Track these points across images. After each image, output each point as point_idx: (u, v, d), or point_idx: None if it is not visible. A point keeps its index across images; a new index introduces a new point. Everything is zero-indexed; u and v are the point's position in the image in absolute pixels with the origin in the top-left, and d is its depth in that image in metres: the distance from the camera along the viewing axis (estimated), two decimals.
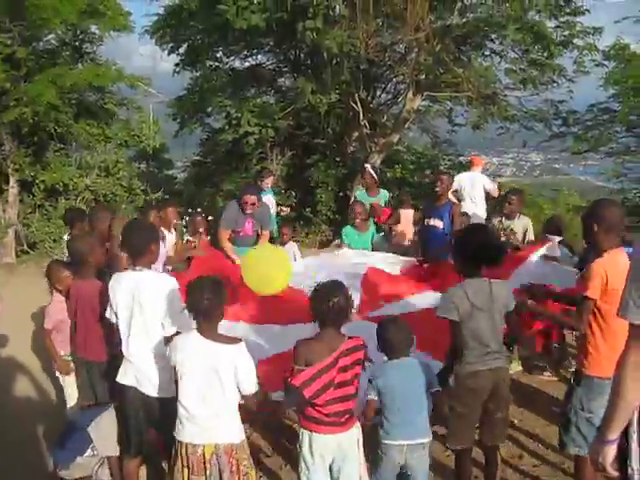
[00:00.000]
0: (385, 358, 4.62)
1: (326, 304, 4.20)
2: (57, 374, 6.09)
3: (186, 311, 4.26)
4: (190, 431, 4.16)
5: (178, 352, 4.19)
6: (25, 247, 14.54)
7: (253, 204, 8.34)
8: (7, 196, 14.46)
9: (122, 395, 4.82)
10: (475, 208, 11.73)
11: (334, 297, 4.21)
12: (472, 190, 11.73)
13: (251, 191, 8.56)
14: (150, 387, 4.73)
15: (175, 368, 4.21)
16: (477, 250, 4.70)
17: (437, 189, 8.31)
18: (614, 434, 3.03)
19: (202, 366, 4.09)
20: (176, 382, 4.28)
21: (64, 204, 14.57)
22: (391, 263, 7.84)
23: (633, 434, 3.19)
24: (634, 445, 3.22)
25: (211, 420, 4.14)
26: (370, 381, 4.46)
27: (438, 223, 8.21)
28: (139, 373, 4.73)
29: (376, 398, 4.44)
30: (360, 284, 6.87)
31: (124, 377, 4.78)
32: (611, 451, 3.07)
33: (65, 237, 8.70)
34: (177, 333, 4.58)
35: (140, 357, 4.72)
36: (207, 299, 4.10)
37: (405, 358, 4.55)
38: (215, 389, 4.11)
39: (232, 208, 8.58)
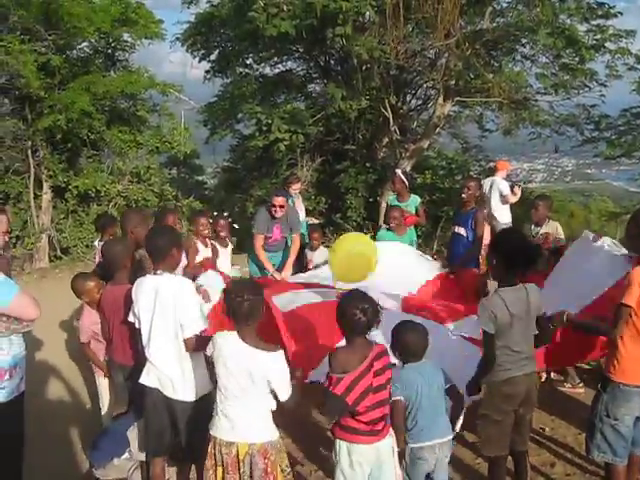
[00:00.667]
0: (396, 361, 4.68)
1: (354, 314, 4.21)
2: (97, 380, 6.15)
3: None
4: (225, 427, 4.18)
5: (216, 350, 4.24)
6: (58, 252, 14.71)
7: (282, 206, 8.38)
8: (41, 202, 14.65)
9: (145, 396, 4.88)
10: (495, 213, 11.74)
11: (362, 307, 4.22)
12: (490, 194, 11.76)
13: (279, 193, 8.62)
14: (172, 390, 4.78)
15: (213, 364, 4.27)
16: (513, 254, 4.65)
17: (463, 195, 8.30)
18: None
19: (237, 368, 4.12)
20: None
21: (96, 210, 14.74)
22: (425, 269, 7.84)
23: None
24: None
25: (245, 420, 4.17)
26: (392, 383, 4.46)
27: (462, 230, 8.22)
28: (162, 376, 4.78)
29: (402, 398, 4.47)
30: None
31: (147, 378, 4.84)
32: None
33: (96, 243, 8.80)
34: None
35: (162, 360, 4.78)
36: (247, 301, 4.13)
37: (422, 360, 4.60)
38: (249, 392, 4.14)
39: (262, 214, 8.63)
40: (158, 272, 4.81)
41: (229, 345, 4.20)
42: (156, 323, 4.75)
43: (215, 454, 4.20)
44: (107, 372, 5.98)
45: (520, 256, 4.65)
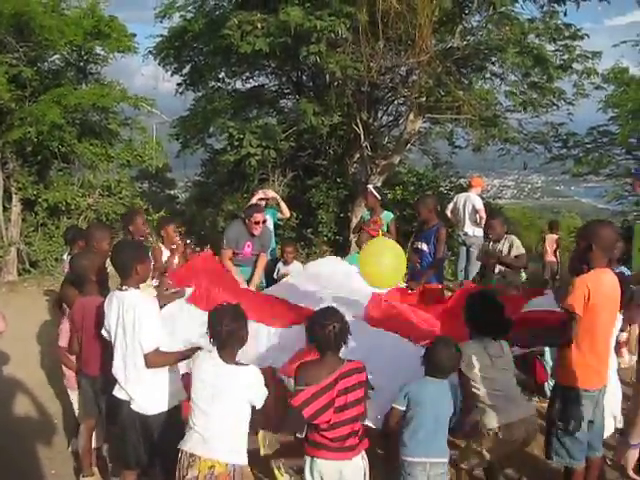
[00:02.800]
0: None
1: (324, 330, 4.28)
2: (71, 395, 6.11)
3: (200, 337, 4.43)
4: (195, 441, 4.20)
5: (195, 368, 4.30)
6: (27, 265, 14.57)
7: (263, 222, 8.40)
8: (10, 215, 14.49)
9: (118, 409, 4.89)
10: (470, 228, 11.93)
11: (331, 323, 4.30)
12: (464, 210, 11.95)
13: (259, 209, 8.63)
14: (137, 405, 4.79)
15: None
16: (488, 325, 4.90)
17: (421, 218, 8.46)
18: (636, 439, 3.15)
19: (216, 386, 4.17)
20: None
21: (66, 223, 14.59)
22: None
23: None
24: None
25: (217, 437, 4.18)
26: (402, 391, 4.53)
27: (424, 246, 8.31)
28: (127, 390, 4.79)
29: (402, 408, 4.50)
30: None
31: (119, 391, 4.85)
32: (633, 455, 3.19)
33: (65, 256, 8.76)
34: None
35: (126, 375, 4.79)
36: (228, 328, 4.20)
37: (444, 380, 4.64)
38: (225, 409, 4.18)
39: (235, 228, 8.61)
40: (124, 287, 4.82)
41: (209, 364, 4.25)
42: (120, 338, 4.77)
43: (181, 466, 4.20)
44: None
45: (494, 329, 4.90)
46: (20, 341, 8.82)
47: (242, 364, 4.28)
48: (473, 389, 4.75)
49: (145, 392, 4.77)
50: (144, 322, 4.69)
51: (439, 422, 4.54)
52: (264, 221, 8.53)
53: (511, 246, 7.96)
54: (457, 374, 4.79)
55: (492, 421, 4.72)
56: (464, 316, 5.04)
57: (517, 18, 13.34)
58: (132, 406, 4.77)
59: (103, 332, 4.94)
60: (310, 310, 5.59)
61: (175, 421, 4.54)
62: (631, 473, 3.18)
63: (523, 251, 7.99)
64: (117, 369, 4.81)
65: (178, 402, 4.82)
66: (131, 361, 4.75)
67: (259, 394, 4.23)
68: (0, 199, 14.24)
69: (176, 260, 7.75)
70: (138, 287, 4.90)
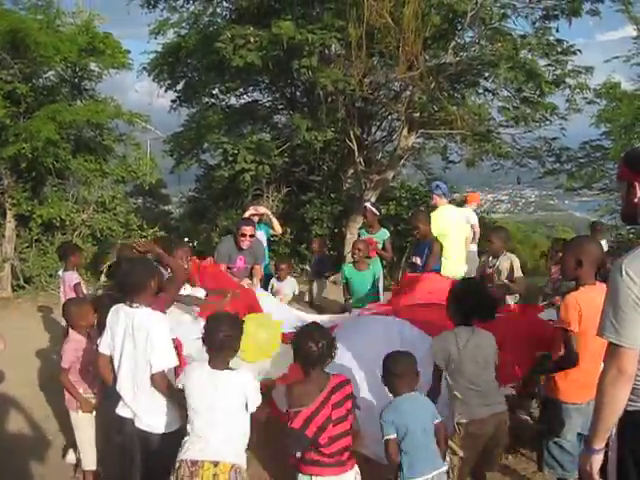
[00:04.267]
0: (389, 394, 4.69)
1: (310, 346, 4.29)
2: (71, 414, 6.03)
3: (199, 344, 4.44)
4: (195, 449, 4.20)
5: (188, 380, 4.31)
6: (21, 281, 14.54)
7: (252, 236, 8.42)
8: (4, 230, 14.48)
9: (121, 426, 4.86)
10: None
11: (318, 339, 4.31)
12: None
13: (248, 222, 8.65)
14: (142, 422, 4.76)
15: (184, 394, 4.33)
16: (472, 305, 4.87)
17: (417, 234, 8.47)
18: (599, 444, 3.22)
19: (212, 393, 4.21)
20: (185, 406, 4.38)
21: (61, 239, 14.58)
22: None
23: (612, 444, 3.33)
24: (612, 455, 3.36)
25: (218, 440, 4.20)
26: (382, 420, 4.46)
27: (418, 260, 8.34)
28: (133, 407, 4.77)
29: (393, 436, 4.43)
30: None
31: (122, 409, 4.82)
32: (597, 460, 3.26)
33: (60, 272, 8.76)
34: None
35: (134, 392, 4.76)
36: (223, 332, 4.25)
37: (413, 392, 4.59)
38: (225, 413, 4.22)
39: (226, 243, 8.67)
40: (134, 305, 4.79)
41: (202, 373, 4.29)
42: (126, 355, 4.74)
43: (179, 475, 4.18)
44: (85, 405, 5.86)
45: (479, 309, 4.88)
46: (14, 358, 8.79)
47: (234, 369, 4.33)
48: (449, 381, 4.76)
49: (152, 410, 4.74)
50: (156, 343, 4.67)
51: (427, 434, 4.50)
52: (252, 235, 8.54)
53: (511, 266, 7.98)
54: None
55: (463, 415, 4.71)
56: (449, 305, 5.02)
57: (510, 34, 13.43)
58: (136, 424, 4.75)
59: (103, 348, 4.90)
60: None
61: (174, 444, 4.51)
62: (596, 478, 3.26)
63: (521, 274, 8.00)
64: (123, 385, 4.77)
65: (179, 426, 4.78)
66: (140, 378, 4.72)
67: (252, 398, 4.27)
68: None
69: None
70: (147, 305, 4.86)
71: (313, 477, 4.28)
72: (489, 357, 4.81)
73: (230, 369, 4.33)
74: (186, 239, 10.33)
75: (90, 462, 5.93)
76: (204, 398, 4.23)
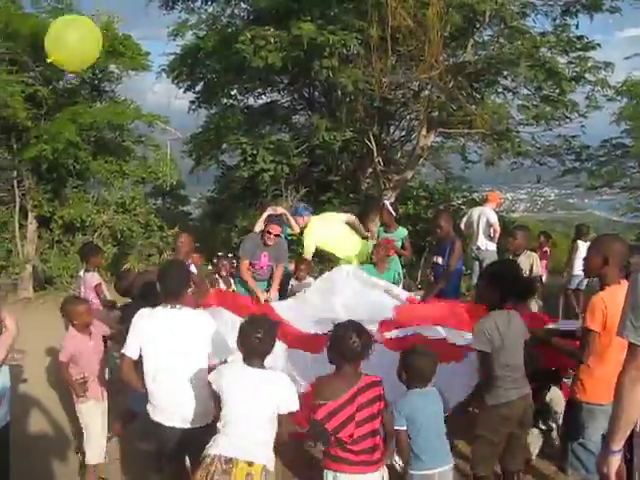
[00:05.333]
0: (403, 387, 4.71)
1: (345, 343, 4.29)
2: (77, 407, 6.13)
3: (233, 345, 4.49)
4: (227, 444, 4.20)
5: (223, 379, 4.31)
6: (43, 282, 14.67)
7: (277, 235, 8.46)
8: (25, 232, 14.63)
9: (156, 432, 4.89)
10: (483, 242, 11.90)
11: (353, 337, 4.30)
12: (478, 224, 11.94)
13: (276, 221, 8.67)
14: (184, 420, 4.78)
15: (219, 393, 4.33)
16: (510, 285, 4.88)
17: (438, 232, 8.43)
18: (617, 445, 3.21)
19: (246, 394, 4.21)
20: (218, 406, 4.39)
21: (81, 240, 14.72)
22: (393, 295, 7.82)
23: (636, 448, 3.32)
24: (636, 459, 3.35)
25: (252, 440, 4.21)
26: (394, 412, 4.52)
27: (440, 260, 8.30)
28: (170, 407, 4.79)
29: (404, 428, 4.51)
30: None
31: (160, 415, 4.84)
32: (615, 461, 3.25)
33: (81, 273, 8.80)
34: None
35: (171, 391, 4.78)
36: (260, 338, 4.26)
37: (427, 387, 4.64)
38: (259, 413, 4.22)
39: (251, 239, 8.72)
40: (177, 306, 4.85)
41: (239, 371, 4.31)
42: (171, 356, 4.77)
43: (208, 473, 4.15)
44: (79, 388, 5.97)
45: (518, 288, 4.93)
46: (35, 357, 8.87)
47: (270, 369, 4.37)
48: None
49: (193, 405, 4.79)
50: (210, 339, 4.82)
51: (439, 429, 4.59)
52: (277, 235, 8.58)
53: (532, 265, 7.95)
54: (476, 354, 4.85)
55: (493, 397, 4.76)
56: (483, 288, 5.05)
57: (529, 32, 13.35)
58: (177, 424, 4.79)
59: (130, 350, 4.88)
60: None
61: (208, 437, 4.54)
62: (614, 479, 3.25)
63: (541, 274, 8.00)
64: (164, 386, 4.80)
65: (211, 420, 4.80)
66: (183, 375, 4.76)
67: (288, 401, 4.28)
68: (16, 216, 14.37)
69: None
70: (188, 306, 4.95)
71: (338, 473, 4.30)
72: (521, 340, 4.87)
73: (264, 368, 4.35)
74: (230, 255, 10.44)
75: (94, 455, 6.00)
76: (239, 396, 4.24)
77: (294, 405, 4.29)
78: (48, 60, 6.22)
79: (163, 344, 4.78)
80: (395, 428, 4.51)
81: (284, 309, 7.58)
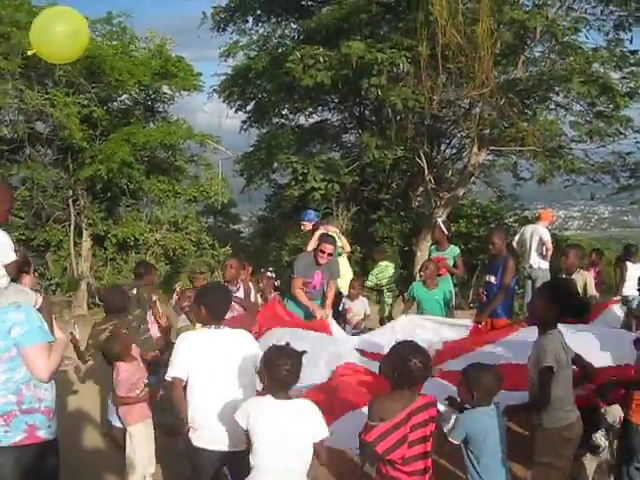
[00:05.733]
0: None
1: (407, 365, 4.15)
2: (129, 428, 5.95)
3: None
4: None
5: (252, 416, 4.22)
6: (96, 299, 14.88)
7: (330, 254, 8.44)
8: (80, 250, 14.89)
9: (199, 459, 4.82)
10: (536, 260, 11.77)
11: (414, 358, 4.16)
12: (531, 242, 11.82)
13: (329, 241, 8.66)
14: (228, 443, 4.72)
15: (248, 430, 4.24)
16: (568, 303, 4.75)
17: (491, 249, 8.34)
18: None
19: (277, 427, 4.15)
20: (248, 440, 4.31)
21: (134, 258, 14.91)
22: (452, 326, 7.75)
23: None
24: None
25: (285, 474, 4.15)
26: (458, 424, 4.44)
27: (493, 279, 8.21)
28: (216, 428, 4.72)
29: (457, 442, 4.42)
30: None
31: (208, 441, 4.76)
32: None
33: (134, 291, 8.82)
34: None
35: (225, 413, 4.68)
36: (288, 369, 4.19)
37: (491, 405, 4.53)
38: (291, 447, 4.15)
39: (304, 259, 8.69)
40: (221, 326, 4.87)
41: (268, 404, 4.24)
42: (221, 377, 4.75)
43: None
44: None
45: (576, 307, 4.80)
46: (89, 373, 8.95)
47: (294, 398, 4.30)
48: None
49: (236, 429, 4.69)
50: (258, 358, 4.70)
51: (502, 448, 4.45)
52: (331, 254, 8.57)
53: (585, 285, 7.84)
54: (537, 372, 4.64)
55: (555, 420, 4.60)
56: (539, 305, 4.85)
57: (580, 47, 13.24)
58: (221, 447, 4.73)
59: (178, 373, 4.79)
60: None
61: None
62: None
63: (595, 293, 7.88)
64: (216, 408, 4.72)
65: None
66: (232, 398, 4.70)
67: (322, 428, 4.20)
68: (71, 235, 14.63)
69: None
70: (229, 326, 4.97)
71: None
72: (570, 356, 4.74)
73: (291, 399, 4.27)
74: (270, 269, 10.54)
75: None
76: (271, 432, 4.16)
77: (325, 432, 4.20)
78: (29, 53, 6.17)
79: (209, 365, 4.75)
80: (450, 439, 4.42)
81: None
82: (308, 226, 10.24)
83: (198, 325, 6.36)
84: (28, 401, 4.27)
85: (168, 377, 4.81)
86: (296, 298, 8.48)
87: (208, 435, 4.73)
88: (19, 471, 4.22)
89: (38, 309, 4.55)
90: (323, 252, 8.39)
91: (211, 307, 4.92)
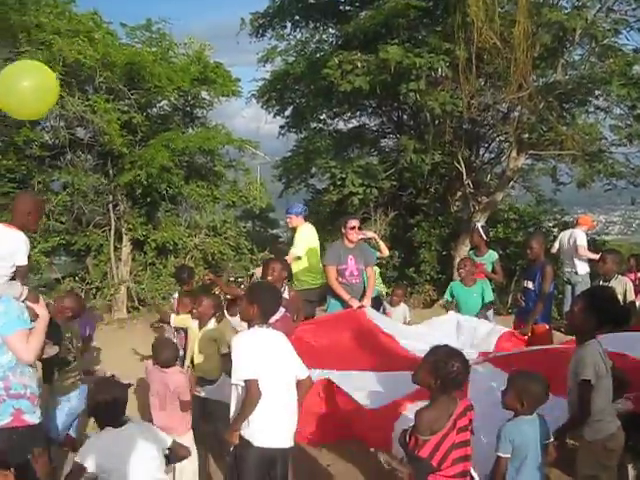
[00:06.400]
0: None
1: (451, 370, 4.12)
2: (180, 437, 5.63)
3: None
4: None
5: None
6: (136, 303, 15.03)
7: (359, 228, 8.41)
8: (120, 254, 15.04)
9: (267, 461, 4.79)
10: (573, 265, 11.67)
11: (457, 363, 4.15)
12: (569, 247, 11.74)
13: (352, 216, 8.67)
14: (284, 439, 4.80)
15: None
16: (609, 312, 4.67)
17: (528, 254, 8.27)
18: None
19: None
20: None
21: (173, 262, 15.03)
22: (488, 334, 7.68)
23: None
24: None
25: None
26: (502, 436, 4.36)
27: (530, 284, 8.14)
28: (283, 427, 4.80)
29: (508, 456, 4.33)
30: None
31: (270, 439, 4.76)
32: None
33: (175, 295, 8.81)
34: None
35: (282, 411, 4.77)
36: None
37: (535, 414, 4.45)
38: None
39: (334, 246, 8.64)
40: (266, 326, 4.90)
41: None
42: (277, 376, 4.79)
43: None
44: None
45: (616, 315, 4.71)
46: (128, 378, 9.03)
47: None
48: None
49: (291, 425, 4.85)
50: (294, 352, 4.92)
51: (542, 459, 4.38)
52: (359, 227, 8.52)
53: (625, 290, 7.76)
54: (577, 385, 4.55)
55: (597, 432, 4.52)
56: (579, 314, 4.74)
57: (621, 49, 13.12)
58: (282, 444, 4.78)
59: (253, 370, 4.74)
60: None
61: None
62: None
63: (634, 298, 7.78)
64: (274, 407, 4.74)
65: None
66: (285, 393, 4.82)
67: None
68: (111, 239, 14.79)
69: None
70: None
71: None
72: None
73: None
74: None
75: None
76: None
77: None
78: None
79: (271, 365, 4.78)
80: (498, 454, 4.32)
81: (377, 318, 7.59)
82: (294, 221, 9.87)
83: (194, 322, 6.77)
84: (15, 387, 4.65)
85: (239, 380, 4.73)
86: (334, 291, 8.36)
87: (268, 434, 4.74)
88: (7, 450, 4.56)
89: (25, 300, 4.90)
90: (353, 228, 8.35)
91: (262, 306, 4.93)
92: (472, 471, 4.39)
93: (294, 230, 9.97)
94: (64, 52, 12.25)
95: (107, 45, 13.45)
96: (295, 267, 9.43)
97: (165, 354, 5.97)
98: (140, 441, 4.30)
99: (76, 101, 12.97)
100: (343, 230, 8.49)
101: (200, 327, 6.98)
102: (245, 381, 4.67)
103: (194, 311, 7.29)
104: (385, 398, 5.83)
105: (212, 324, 7.02)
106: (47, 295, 14.50)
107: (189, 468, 5.69)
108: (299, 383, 4.88)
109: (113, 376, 5.36)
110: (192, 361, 6.78)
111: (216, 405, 6.11)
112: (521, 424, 4.40)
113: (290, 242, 10.62)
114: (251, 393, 4.67)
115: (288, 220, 9.95)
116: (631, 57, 13.00)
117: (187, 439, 5.74)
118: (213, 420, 6.23)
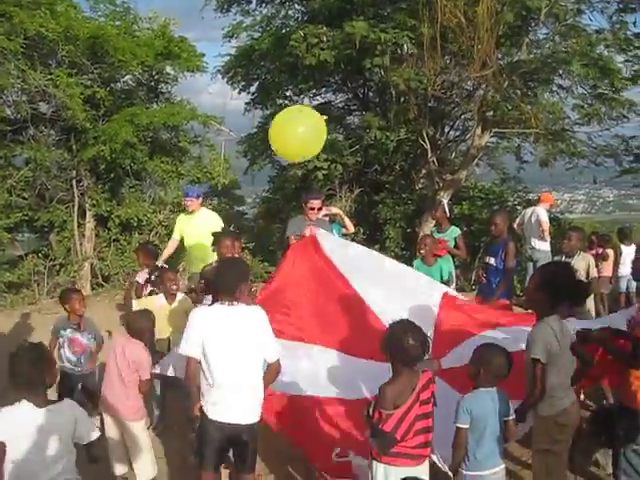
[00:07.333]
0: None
1: (403, 346, 4.24)
2: (131, 422, 5.68)
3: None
4: None
5: None
6: (100, 280, 14.95)
7: (320, 209, 8.39)
8: (84, 230, 14.93)
9: (209, 425, 4.83)
10: (536, 241, 11.84)
11: (415, 336, 4.26)
12: (530, 223, 11.90)
13: (313, 196, 8.59)
14: (241, 414, 4.79)
15: None
16: (565, 288, 4.68)
17: (492, 230, 8.35)
18: None
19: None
20: None
21: (138, 239, 14.96)
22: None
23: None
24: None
25: None
26: (461, 408, 4.42)
27: (492, 261, 8.23)
28: (236, 402, 4.78)
29: (467, 426, 4.40)
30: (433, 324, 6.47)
31: (219, 413, 4.79)
32: None
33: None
34: None
35: (237, 386, 4.76)
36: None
37: (494, 387, 4.51)
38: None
39: (295, 220, 8.63)
40: (234, 303, 4.82)
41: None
42: (233, 352, 4.75)
43: None
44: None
45: (572, 291, 4.73)
46: None
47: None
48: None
49: (253, 403, 4.85)
50: (270, 334, 4.89)
51: (499, 430, 4.46)
52: (320, 208, 8.50)
53: (589, 267, 7.87)
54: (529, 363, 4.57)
55: (549, 408, 4.58)
56: (535, 291, 4.78)
57: (584, 30, 13.19)
58: (233, 419, 4.77)
59: (189, 350, 4.82)
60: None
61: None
62: None
63: (596, 275, 7.91)
64: (219, 381, 4.75)
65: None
66: (246, 373, 4.80)
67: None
68: (75, 215, 14.68)
69: None
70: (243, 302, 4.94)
71: (389, 466, 4.25)
72: (569, 342, 4.69)
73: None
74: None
75: (149, 470, 5.74)
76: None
77: None
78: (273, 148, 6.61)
79: (221, 341, 4.75)
80: (457, 425, 4.41)
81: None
82: (193, 204, 9.56)
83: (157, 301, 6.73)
84: None
85: (183, 353, 4.85)
86: None
87: (222, 407, 4.77)
88: None
89: None
90: (312, 209, 8.34)
91: (221, 282, 4.94)
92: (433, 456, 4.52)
93: (192, 213, 9.60)
94: (25, 24, 12.10)
95: (70, 18, 13.28)
96: (194, 251, 9.41)
97: (139, 322, 5.89)
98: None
99: (38, 75, 12.81)
100: (304, 206, 8.50)
101: (170, 303, 6.98)
102: (187, 355, 4.82)
103: (170, 287, 7.20)
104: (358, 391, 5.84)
105: (181, 296, 7.02)
106: (10, 272, 14.48)
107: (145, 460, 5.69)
108: (268, 365, 4.90)
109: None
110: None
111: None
112: (479, 396, 4.48)
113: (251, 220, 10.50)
114: (189, 369, 4.86)
115: (189, 202, 9.55)
116: (593, 38, 13.07)
117: (138, 427, 5.70)
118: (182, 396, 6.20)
